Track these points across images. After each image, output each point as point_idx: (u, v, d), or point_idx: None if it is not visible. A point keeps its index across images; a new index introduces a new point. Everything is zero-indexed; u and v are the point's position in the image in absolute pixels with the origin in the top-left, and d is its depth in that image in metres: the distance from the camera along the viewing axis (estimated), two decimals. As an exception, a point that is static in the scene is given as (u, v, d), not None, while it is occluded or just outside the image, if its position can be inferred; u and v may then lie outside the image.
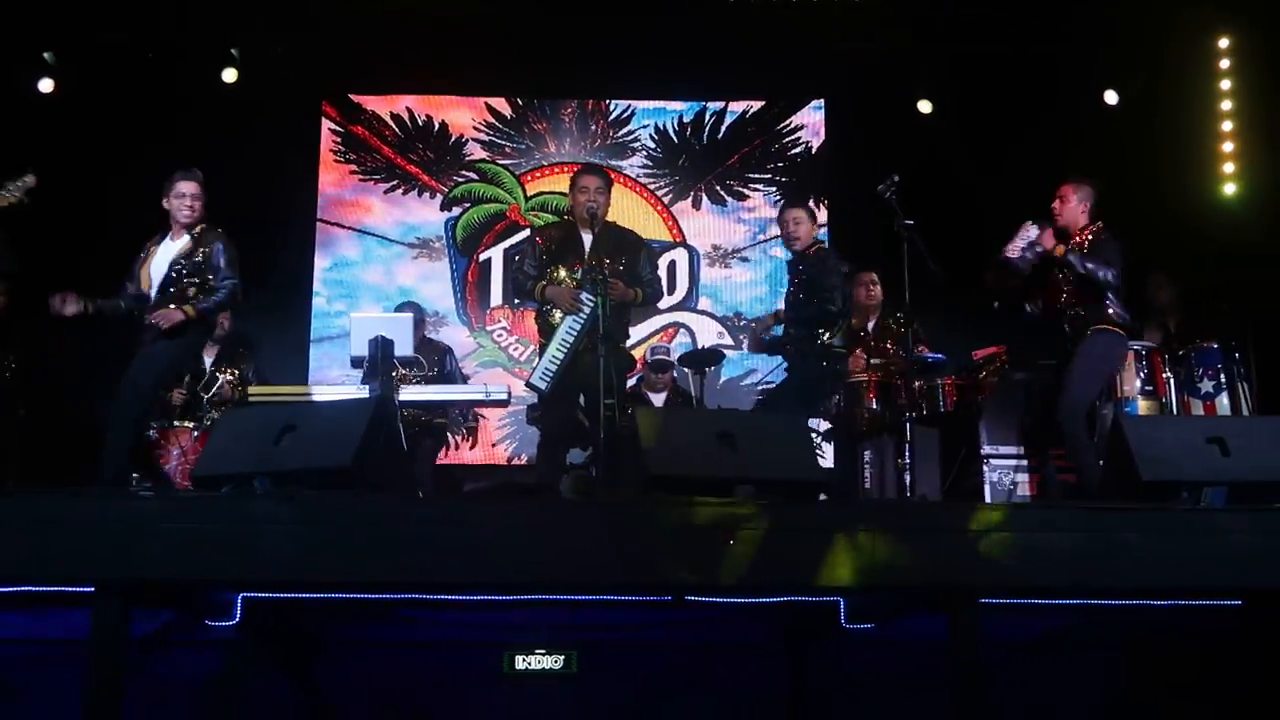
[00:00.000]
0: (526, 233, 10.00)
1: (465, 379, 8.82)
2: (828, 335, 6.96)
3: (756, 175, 10.59)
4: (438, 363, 8.36)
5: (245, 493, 4.90)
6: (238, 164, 9.50)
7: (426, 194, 10.50)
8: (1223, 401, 7.61)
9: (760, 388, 9.35)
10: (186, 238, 6.51)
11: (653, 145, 10.64)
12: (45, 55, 9.41)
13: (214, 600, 5.12)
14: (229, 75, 9.61)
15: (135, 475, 7.46)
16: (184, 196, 6.51)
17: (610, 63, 10.23)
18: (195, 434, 7.68)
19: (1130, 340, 6.87)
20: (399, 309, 8.62)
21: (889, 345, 7.85)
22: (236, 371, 8.17)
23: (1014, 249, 6.76)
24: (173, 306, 6.33)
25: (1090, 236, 6.71)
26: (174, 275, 6.43)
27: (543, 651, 6.19)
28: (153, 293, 6.49)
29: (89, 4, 9.57)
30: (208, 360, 8.21)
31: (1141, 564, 4.78)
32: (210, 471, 5.14)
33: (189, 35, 9.70)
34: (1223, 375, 7.67)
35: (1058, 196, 6.85)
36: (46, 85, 9.45)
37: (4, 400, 8.08)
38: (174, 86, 9.66)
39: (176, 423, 7.80)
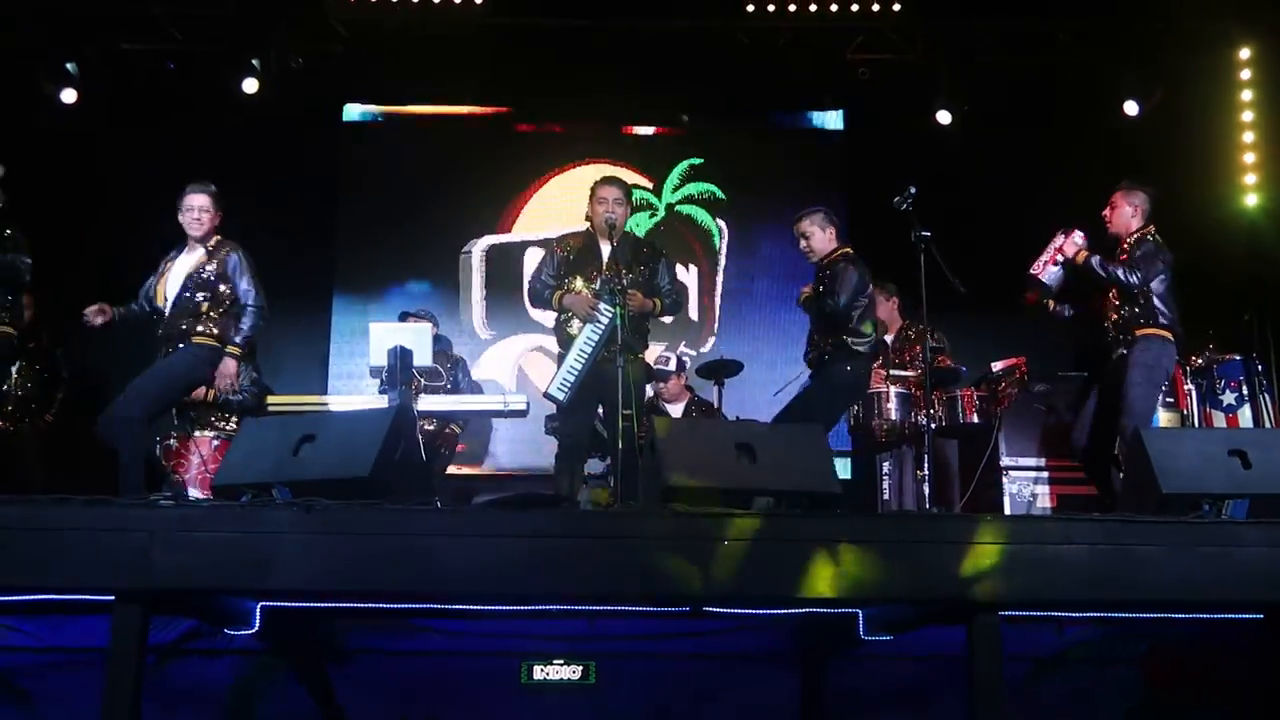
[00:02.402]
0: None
1: (479, 390, 8.82)
2: (851, 341, 6.75)
3: (774, 188, 10.59)
4: (450, 374, 8.38)
5: (264, 502, 4.91)
6: (258, 172, 9.59)
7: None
8: (1245, 414, 7.57)
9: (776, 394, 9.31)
10: (201, 251, 6.55)
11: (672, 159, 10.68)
12: (68, 66, 9.46)
13: (233, 609, 5.13)
14: (250, 85, 9.64)
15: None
16: (192, 209, 6.53)
17: (623, 76, 10.25)
18: (215, 443, 7.70)
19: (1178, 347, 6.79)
20: (412, 315, 8.64)
21: (909, 356, 7.84)
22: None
23: (1039, 264, 6.74)
24: (227, 360, 6.46)
25: (1130, 242, 6.70)
26: (186, 292, 6.50)
27: (561, 662, 6.19)
28: (167, 308, 6.54)
29: (111, 15, 9.64)
30: None
31: (1161, 577, 4.74)
32: (230, 481, 5.16)
33: (210, 45, 9.76)
34: (1245, 387, 7.64)
35: (1109, 204, 6.83)
36: (69, 95, 9.50)
37: (29, 409, 8.16)
38: (195, 96, 9.72)
39: (197, 431, 7.83)
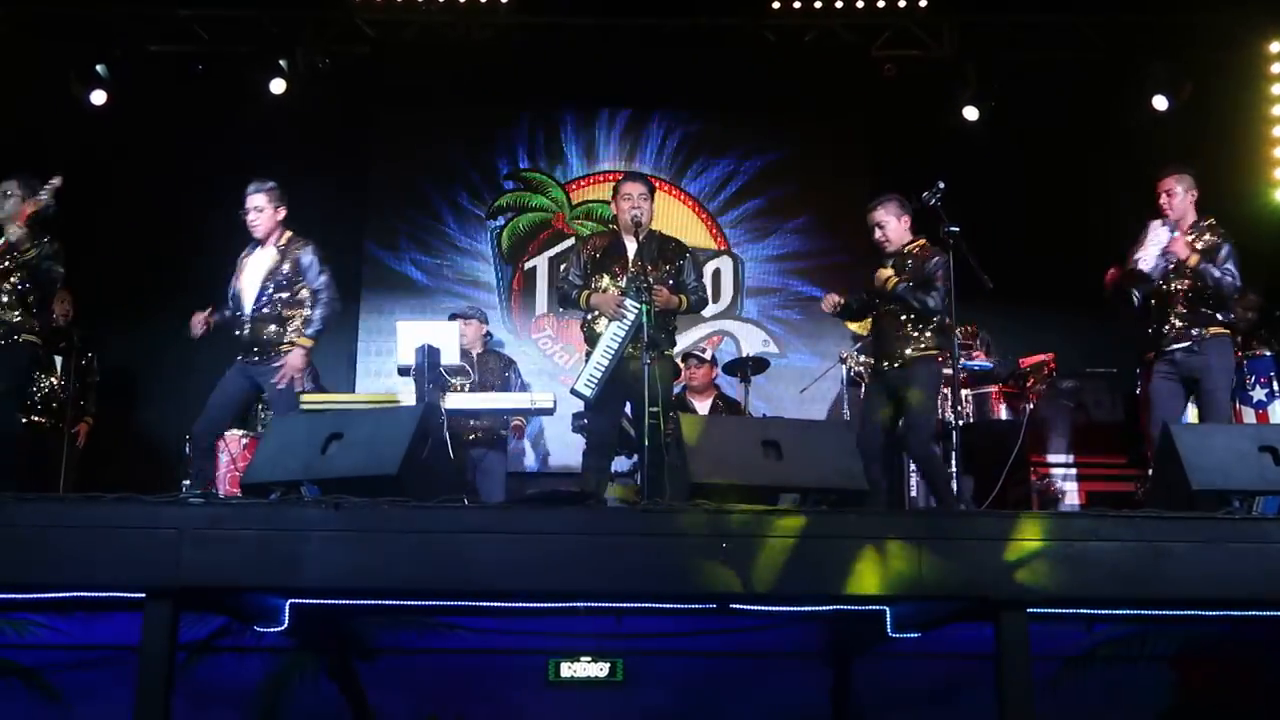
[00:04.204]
0: (571, 241, 10.05)
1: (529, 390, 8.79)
2: (935, 337, 6.67)
3: (800, 184, 10.56)
4: (502, 374, 8.42)
5: (293, 500, 4.94)
6: (286, 173, 9.61)
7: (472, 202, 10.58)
8: (1276, 409, 7.51)
9: (802, 391, 9.29)
10: (272, 250, 6.62)
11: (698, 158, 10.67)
12: (98, 68, 9.52)
13: (262, 606, 5.16)
14: (277, 86, 9.67)
15: (186, 483, 7.57)
16: (248, 211, 6.61)
17: (647, 73, 10.27)
18: (244, 441, 7.75)
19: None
20: (460, 316, 8.67)
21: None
22: None
23: (1147, 258, 6.68)
24: (290, 349, 6.48)
25: (1210, 239, 6.68)
26: (265, 296, 6.58)
27: (588, 659, 6.20)
28: (247, 309, 6.61)
29: (139, 16, 9.70)
30: None
31: (1191, 574, 4.72)
32: (259, 478, 5.19)
33: (237, 47, 9.81)
34: (1275, 383, 7.58)
35: (1164, 191, 6.78)
36: (99, 97, 9.56)
37: (61, 412, 8.23)
38: (223, 97, 9.76)
39: (226, 430, 7.86)
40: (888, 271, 6.80)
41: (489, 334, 8.73)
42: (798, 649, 6.12)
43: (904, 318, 6.74)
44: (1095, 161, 9.64)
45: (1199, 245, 6.65)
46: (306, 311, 6.62)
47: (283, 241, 6.66)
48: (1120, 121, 9.80)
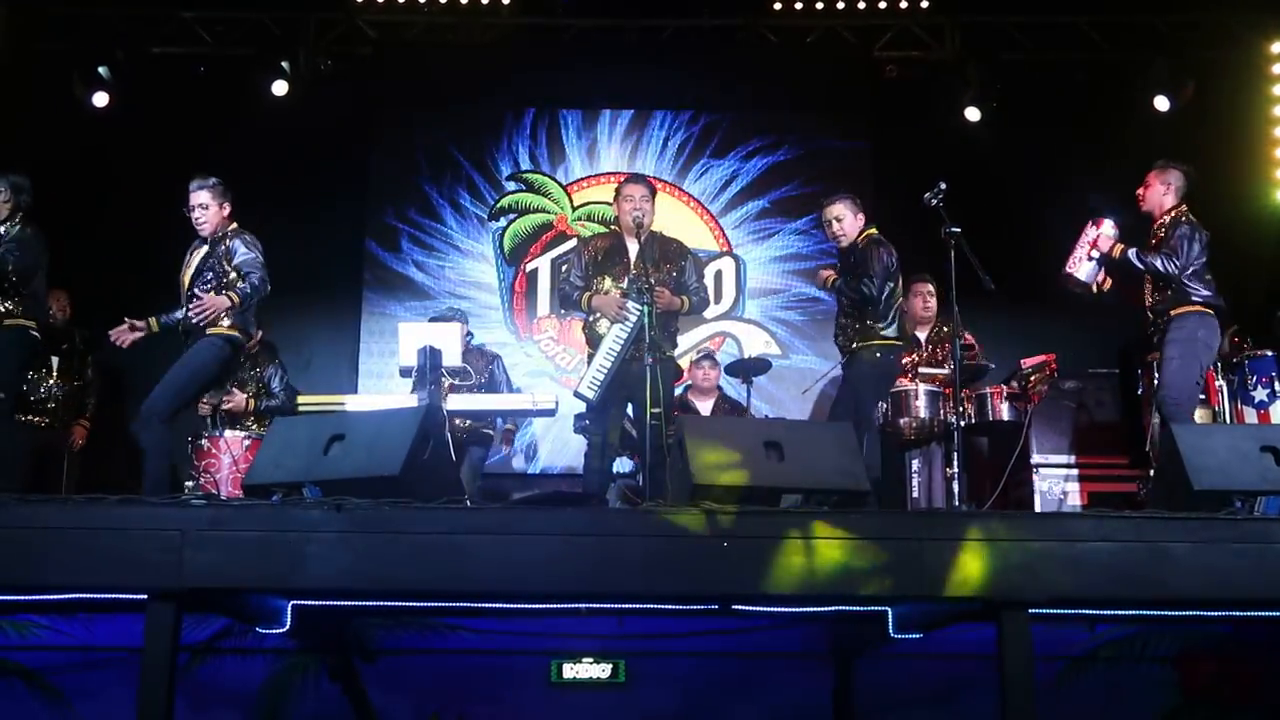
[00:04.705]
0: (574, 242, 10.05)
1: (514, 387, 8.81)
2: (881, 327, 6.75)
3: (801, 184, 10.56)
4: (486, 370, 8.38)
5: (295, 501, 4.94)
6: (288, 175, 9.63)
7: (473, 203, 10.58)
8: (1277, 410, 7.50)
9: (804, 391, 9.30)
10: (206, 245, 6.55)
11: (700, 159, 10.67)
12: (100, 70, 9.52)
13: (265, 607, 5.17)
14: (279, 88, 9.68)
15: (188, 484, 7.57)
16: (193, 209, 6.51)
17: (650, 74, 10.28)
18: (246, 443, 7.74)
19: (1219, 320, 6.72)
20: (443, 316, 8.64)
21: (942, 354, 7.81)
22: (254, 382, 8.22)
23: (1073, 261, 6.80)
24: (220, 297, 6.29)
25: (1165, 223, 6.71)
26: (198, 286, 6.46)
27: (590, 660, 6.21)
28: (184, 298, 6.53)
29: (141, 18, 9.71)
30: None
31: (1192, 575, 4.72)
32: (261, 480, 5.19)
33: (239, 49, 9.82)
34: (1277, 383, 7.57)
35: (1143, 182, 6.86)
36: (101, 99, 9.56)
37: (59, 413, 8.23)
38: (225, 99, 9.76)
39: (228, 431, 7.87)
40: (827, 271, 7.04)
41: (469, 334, 8.74)
42: (800, 649, 6.13)
43: (843, 315, 6.91)
44: (1097, 162, 9.62)
45: (1162, 232, 6.70)
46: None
47: (219, 233, 6.55)
48: (1120, 121, 9.80)
